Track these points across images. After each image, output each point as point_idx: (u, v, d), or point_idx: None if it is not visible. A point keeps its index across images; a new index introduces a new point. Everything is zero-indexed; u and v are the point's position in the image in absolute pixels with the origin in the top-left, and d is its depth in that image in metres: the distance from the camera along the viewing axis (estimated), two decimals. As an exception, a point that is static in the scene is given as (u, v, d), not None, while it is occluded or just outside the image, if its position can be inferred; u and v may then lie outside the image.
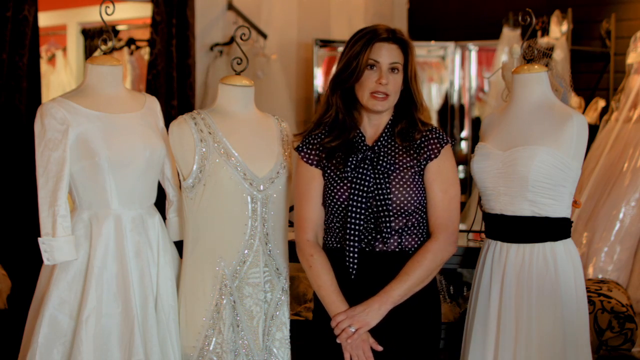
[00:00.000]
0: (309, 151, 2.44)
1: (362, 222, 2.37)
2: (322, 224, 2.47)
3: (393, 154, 2.41)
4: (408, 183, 2.38)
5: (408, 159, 2.40)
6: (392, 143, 2.43)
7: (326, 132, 2.45)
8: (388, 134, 2.44)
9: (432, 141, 2.42)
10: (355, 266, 2.37)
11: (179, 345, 2.58)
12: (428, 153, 2.40)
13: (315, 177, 2.43)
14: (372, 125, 2.46)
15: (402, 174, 2.39)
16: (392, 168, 2.39)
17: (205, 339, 2.53)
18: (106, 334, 2.47)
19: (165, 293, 2.59)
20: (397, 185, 2.38)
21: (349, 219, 2.36)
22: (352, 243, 2.36)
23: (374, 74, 2.38)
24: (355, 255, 2.37)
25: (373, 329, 2.35)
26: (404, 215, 2.37)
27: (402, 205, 2.37)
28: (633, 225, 4.70)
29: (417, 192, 2.38)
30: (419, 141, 2.42)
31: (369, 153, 2.41)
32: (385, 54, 2.38)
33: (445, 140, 2.42)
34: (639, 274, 4.61)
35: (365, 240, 2.39)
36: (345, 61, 2.41)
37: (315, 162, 2.43)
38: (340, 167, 2.40)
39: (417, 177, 2.39)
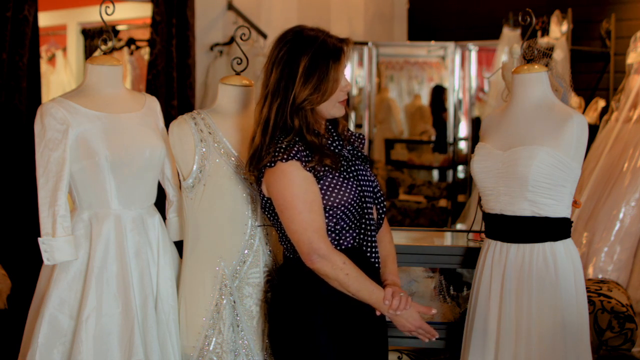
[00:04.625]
0: (304, 158, 2.30)
1: (373, 215, 2.40)
2: None
3: (355, 149, 2.46)
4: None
5: (360, 152, 2.49)
6: (339, 135, 2.45)
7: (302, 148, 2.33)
8: (332, 128, 2.45)
9: (356, 137, 2.53)
10: (378, 257, 2.41)
11: (179, 345, 2.58)
12: (360, 147, 2.52)
13: (316, 184, 2.32)
14: (320, 126, 2.40)
15: (366, 159, 2.51)
16: (366, 161, 2.48)
17: (205, 339, 2.53)
18: (106, 334, 2.47)
19: (165, 293, 2.59)
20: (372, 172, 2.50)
21: (366, 215, 2.37)
22: (372, 234, 2.39)
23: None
24: (376, 246, 2.41)
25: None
26: (384, 198, 2.51)
27: (381, 189, 2.50)
28: (633, 225, 4.70)
29: None
30: (348, 137, 2.49)
31: (348, 148, 2.43)
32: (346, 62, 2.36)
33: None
34: (639, 274, 4.61)
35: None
36: (315, 83, 2.29)
37: (309, 168, 2.31)
38: (340, 168, 2.37)
39: None
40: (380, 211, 2.46)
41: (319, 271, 2.29)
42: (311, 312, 2.34)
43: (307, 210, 2.28)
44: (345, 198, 2.33)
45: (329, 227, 2.33)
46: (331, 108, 2.35)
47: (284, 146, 2.29)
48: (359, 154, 2.46)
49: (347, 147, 2.43)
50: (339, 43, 2.33)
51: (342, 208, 2.33)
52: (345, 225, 2.35)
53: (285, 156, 2.27)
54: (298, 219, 2.28)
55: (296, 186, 2.28)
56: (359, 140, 2.52)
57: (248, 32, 2.66)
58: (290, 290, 2.39)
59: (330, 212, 2.32)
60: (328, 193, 2.31)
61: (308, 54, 2.28)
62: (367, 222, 2.38)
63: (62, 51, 6.20)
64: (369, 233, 2.38)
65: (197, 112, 2.57)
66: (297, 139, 2.30)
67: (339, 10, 6.74)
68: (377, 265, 2.41)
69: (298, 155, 2.27)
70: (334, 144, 2.39)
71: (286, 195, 2.29)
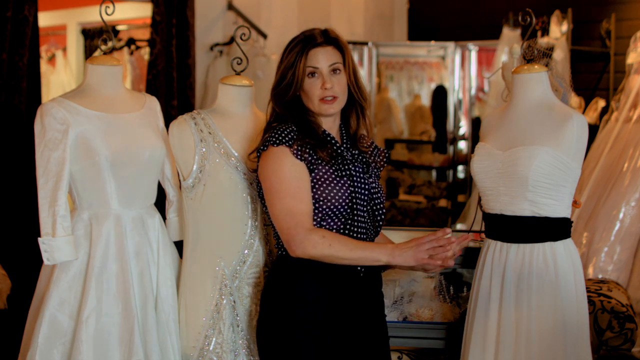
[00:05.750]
0: (296, 146, 2.32)
1: (366, 219, 2.37)
2: None
3: (361, 155, 2.45)
4: (379, 181, 2.51)
5: (371, 160, 2.48)
6: (354, 144, 2.46)
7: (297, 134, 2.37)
8: (345, 134, 2.46)
9: (378, 151, 2.54)
10: (362, 267, 2.36)
11: (179, 345, 2.58)
12: (379, 161, 2.52)
13: (306, 173, 2.32)
14: (331, 128, 2.43)
15: (376, 171, 2.50)
16: (372, 166, 2.47)
17: (206, 339, 2.53)
18: (106, 334, 2.47)
19: (165, 293, 2.59)
20: (378, 182, 2.48)
21: (355, 218, 2.35)
22: (361, 237, 2.36)
23: (317, 80, 2.36)
24: None
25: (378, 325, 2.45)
26: (385, 210, 2.48)
27: (384, 201, 2.48)
28: (633, 225, 4.70)
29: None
30: (370, 148, 2.51)
31: (353, 152, 2.43)
32: (323, 58, 2.36)
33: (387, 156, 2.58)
34: (639, 274, 4.61)
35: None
36: (281, 73, 2.38)
37: (303, 158, 2.32)
38: (334, 165, 2.36)
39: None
40: (379, 217, 2.43)
41: (304, 257, 2.26)
42: (292, 309, 2.32)
43: (290, 196, 2.28)
44: (333, 194, 2.32)
45: (314, 223, 2.31)
46: (315, 104, 2.37)
47: (277, 129, 2.33)
48: (365, 160, 2.44)
49: (353, 151, 2.43)
50: (314, 36, 2.38)
51: (329, 204, 2.31)
52: (332, 223, 2.33)
53: (275, 140, 2.30)
54: (279, 204, 2.28)
55: (283, 171, 2.30)
56: (380, 155, 2.53)
57: (248, 32, 2.66)
58: (275, 287, 2.38)
59: (316, 205, 2.31)
60: (317, 185, 2.31)
61: (286, 48, 2.40)
62: (356, 225, 2.35)
63: (62, 51, 6.20)
64: (357, 236, 2.34)
65: (197, 112, 2.58)
66: (287, 123, 2.35)
67: (339, 10, 6.74)
68: (361, 274, 2.37)
69: (290, 142, 2.30)
70: (337, 144, 2.39)
71: (272, 179, 2.30)
